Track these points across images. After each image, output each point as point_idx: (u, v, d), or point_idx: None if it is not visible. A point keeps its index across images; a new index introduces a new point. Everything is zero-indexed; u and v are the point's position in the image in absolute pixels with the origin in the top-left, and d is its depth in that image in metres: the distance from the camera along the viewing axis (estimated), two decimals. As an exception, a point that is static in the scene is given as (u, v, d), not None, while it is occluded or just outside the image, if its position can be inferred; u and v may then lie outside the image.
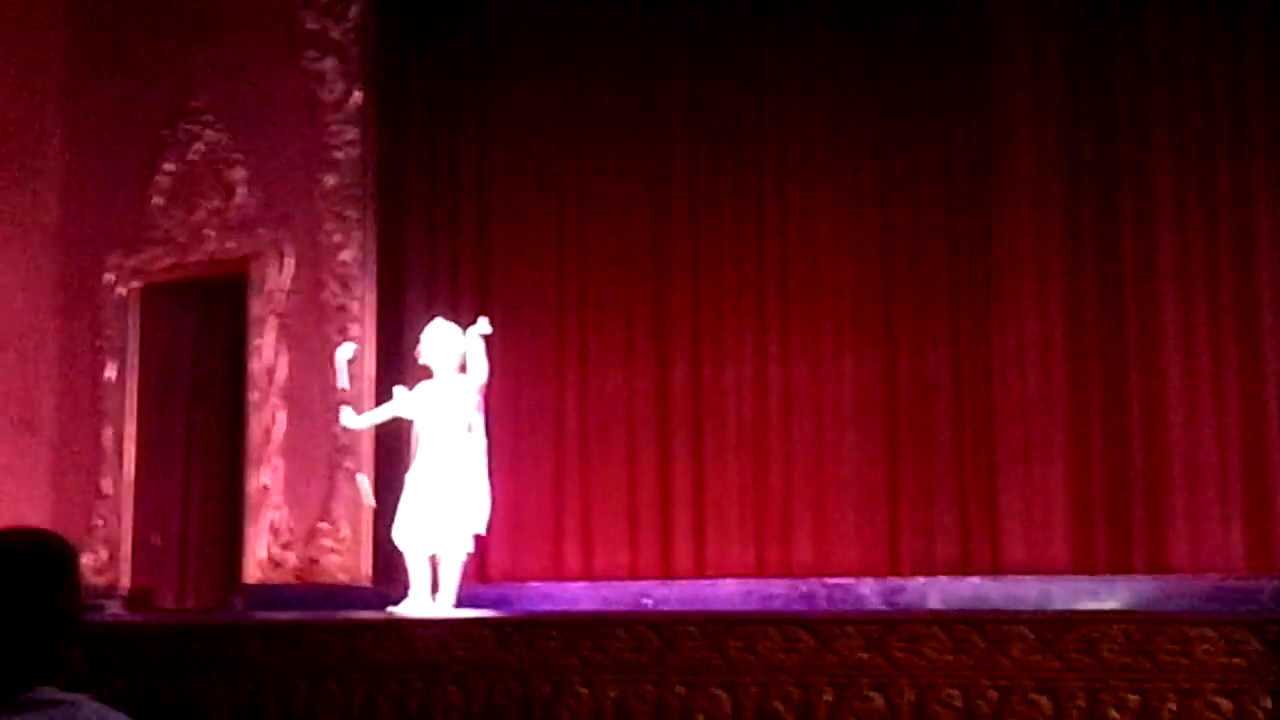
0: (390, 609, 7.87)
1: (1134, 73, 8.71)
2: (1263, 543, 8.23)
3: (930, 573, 8.72)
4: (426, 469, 8.21)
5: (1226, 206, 8.48)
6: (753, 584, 8.94)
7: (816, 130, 9.45)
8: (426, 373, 8.48)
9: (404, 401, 8.39)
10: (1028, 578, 8.40)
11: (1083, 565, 8.56)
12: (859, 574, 8.81)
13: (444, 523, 8.12)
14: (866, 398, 9.18)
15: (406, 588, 8.17)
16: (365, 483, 9.13)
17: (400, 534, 8.26)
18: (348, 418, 8.72)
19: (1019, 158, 8.94)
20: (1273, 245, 8.36)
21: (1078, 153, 8.82)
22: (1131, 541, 8.51)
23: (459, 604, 8.03)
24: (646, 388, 9.63)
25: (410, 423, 8.59)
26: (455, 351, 8.31)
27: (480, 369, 8.26)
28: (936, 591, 8.43)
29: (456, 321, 8.55)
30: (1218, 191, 8.50)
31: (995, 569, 8.70)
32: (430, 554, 8.19)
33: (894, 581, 8.66)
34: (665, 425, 9.57)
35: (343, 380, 8.80)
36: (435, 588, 8.13)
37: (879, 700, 5.80)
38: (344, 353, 8.92)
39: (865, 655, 5.85)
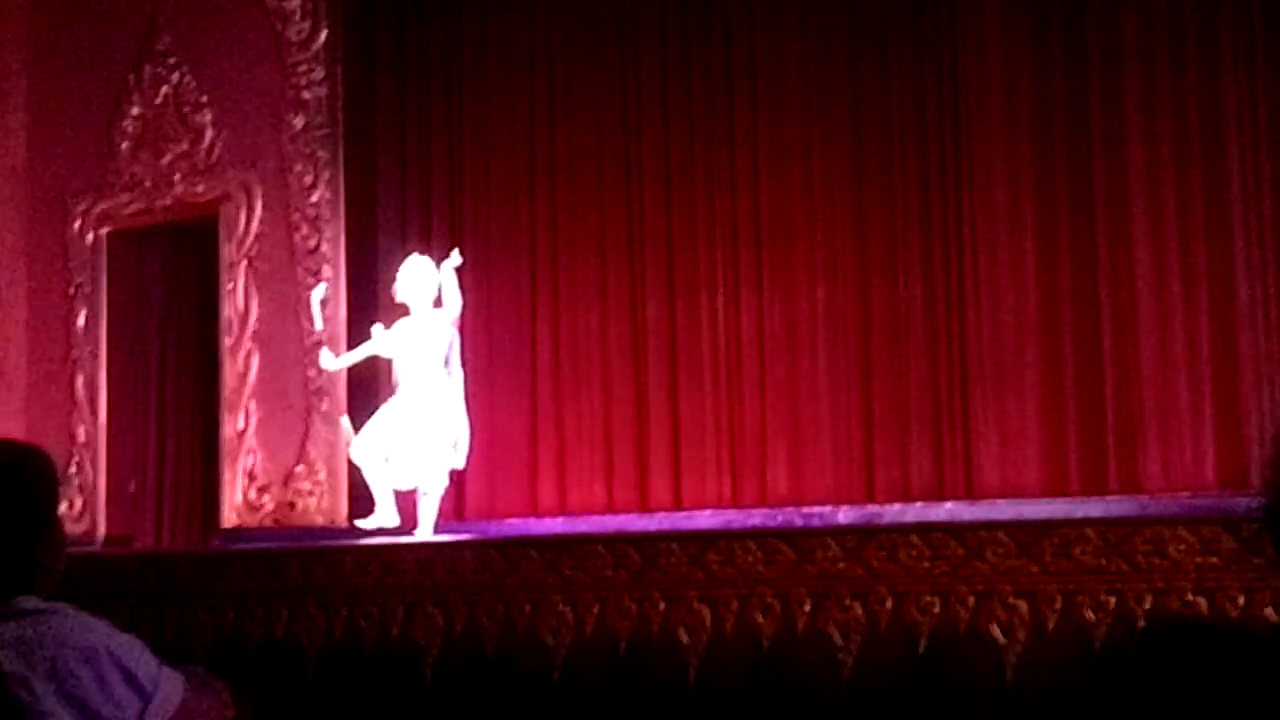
0: (357, 522, 8.00)
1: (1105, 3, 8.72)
2: (1235, 461, 8.28)
3: (906, 500, 8.78)
4: (406, 404, 8.27)
5: (1197, 131, 8.49)
6: (730, 515, 8.98)
7: (787, 64, 9.43)
8: (401, 311, 8.52)
9: (382, 340, 8.45)
10: (1002, 502, 8.44)
11: (1056, 488, 8.61)
12: (835, 503, 8.86)
13: (423, 456, 8.18)
14: (840, 328, 9.21)
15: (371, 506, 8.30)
16: (347, 423, 9.15)
17: (359, 450, 8.36)
18: (326, 359, 8.82)
19: (990, 87, 8.94)
20: (1242, 168, 8.38)
21: (1049, 79, 8.83)
22: (1105, 463, 8.56)
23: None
24: (620, 322, 9.64)
25: (385, 362, 8.64)
26: (431, 286, 8.37)
27: (454, 302, 8.32)
28: (912, 518, 8.47)
29: (430, 258, 8.58)
30: (1188, 116, 8.52)
31: (970, 494, 8.75)
32: (409, 487, 8.27)
33: (870, 509, 8.71)
34: (639, 359, 9.58)
35: (318, 322, 8.89)
36: (414, 523, 8.21)
37: (858, 609, 5.85)
38: (317, 294, 9.00)
39: (844, 565, 5.90)
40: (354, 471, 9.31)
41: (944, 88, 9.05)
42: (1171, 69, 8.55)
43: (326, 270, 10.00)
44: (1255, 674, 1.93)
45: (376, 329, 8.55)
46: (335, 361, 8.92)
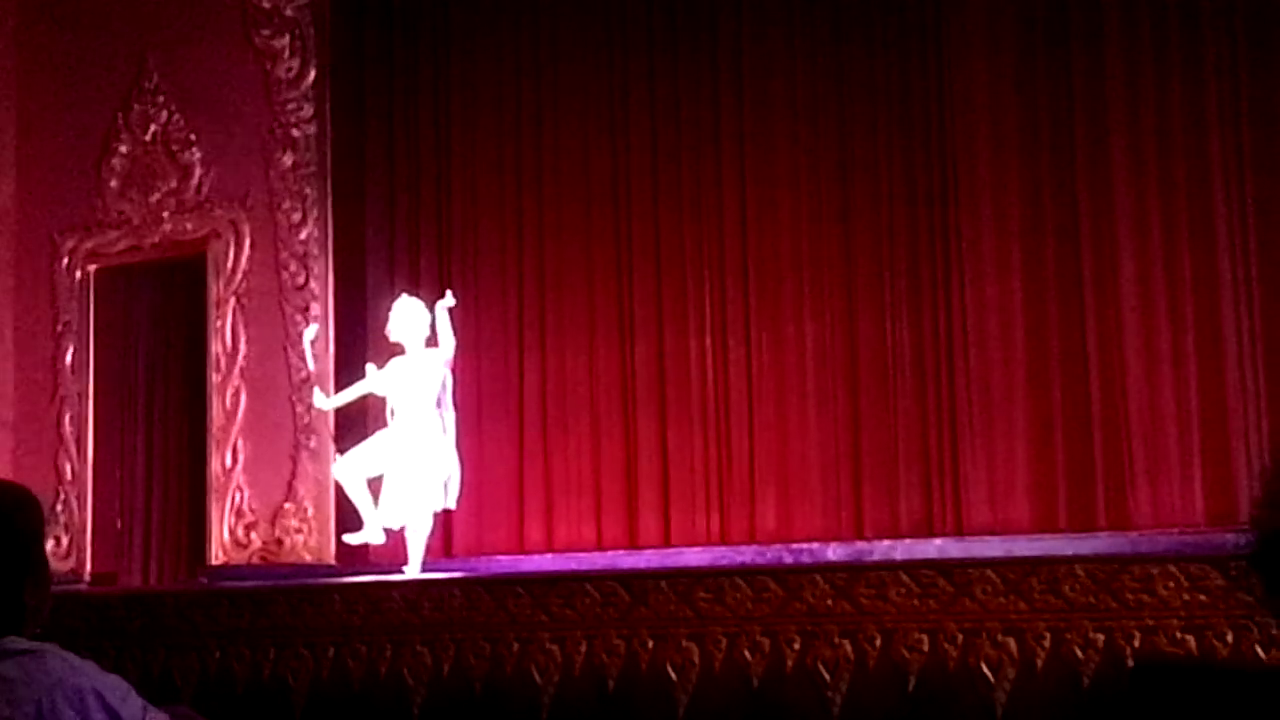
0: (345, 538, 8.03)
1: (1089, 35, 8.77)
2: (1223, 498, 8.29)
3: (895, 537, 8.77)
4: (397, 441, 8.29)
5: (1183, 165, 8.54)
6: (719, 552, 8.96)
7: (775, 103, 9.47)
8: (392, 349, 8.55)
9: (376, 378, 8.49)
10: (991, 539, 8.44)
11: (1045, 525, 8.62)
12: (824, 540, 8.85)
13: (413, 494, 8.20)
14: (828, 365, 9.22)
15: (368, 556, 8.31)
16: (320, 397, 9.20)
17: (342, 469, 8.42)
18: (319, 399, 8.88)
19: (977, 126, 8.99)
20: (1229, 210, 8.43)
21: (1035, 120, 8.88)
22: (1093, 501, 8.57)
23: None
24: (609, 360, 9.64)
25: (374, 400, 8.68)
26: (423, 326, 8.43)
27: (448, 342, 8.35)
28: (901, 555, 8.46)
29: (418, 297, 8.62)
30: (1173, 156, 8.57)
31: (959, 531, 8.75)
32: (399, 525, 8.28)
33: (859, 546, 8.70)
34: (628, 397, 9.59)
35: (309, 362, 8.99)
36: (403, 560, 8.22)
37: (847, 647, 5.84)
38: (309, 334, 9.12)
39: (832, 602, 5.89)
40: (342, 509, 9.31)
41: (931, 127, 9.09)
42: (1157, 104, 8.60)
43: (315, 308, 10.01)
44: (1243, 714, 1.93)
45: (370, 369, 8.57)
46: (329, 401, 8.97)
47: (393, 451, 8.28)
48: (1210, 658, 5.29)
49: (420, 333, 8.43)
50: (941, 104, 9.05)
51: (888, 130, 9.20)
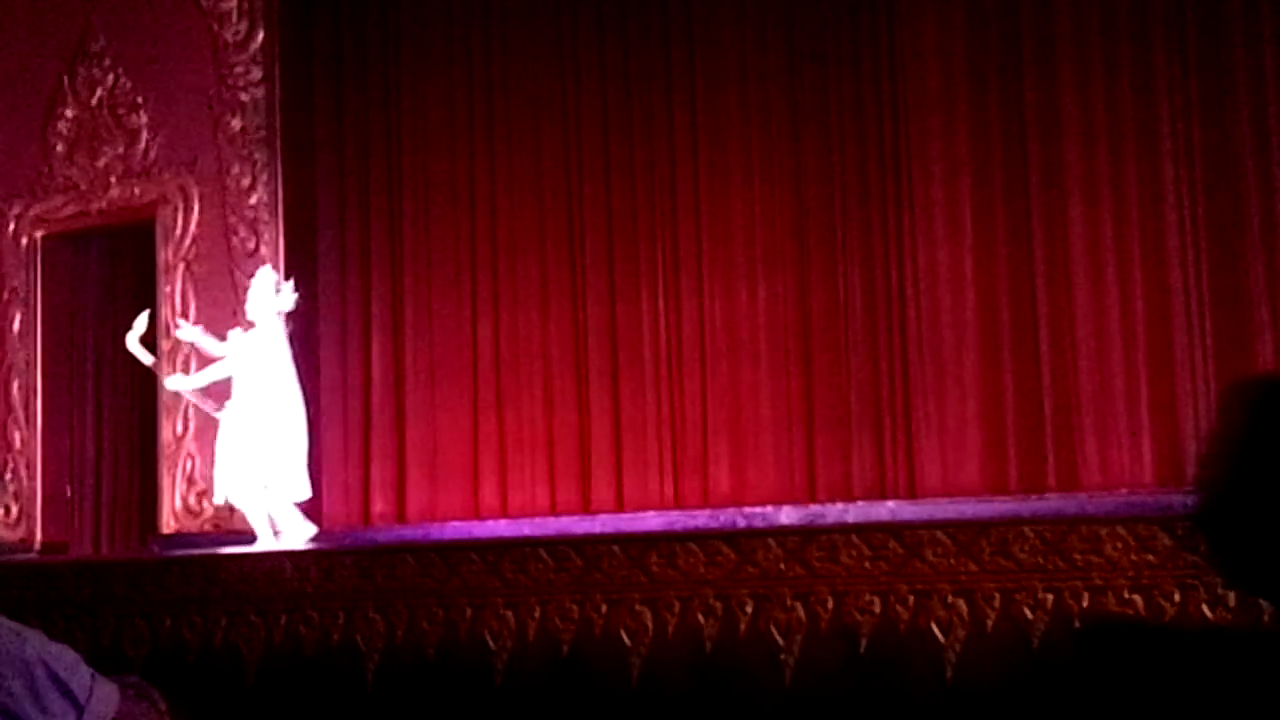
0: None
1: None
2: (1171, 458, 8.36)
3: (847, 499, 8.82)
4: (244, 417, 8.31)
5: (1132, 128, 8.57)
6: (672, 516, 8.99)
7: (726, 65, 9.45)
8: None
9: (230, 358, 8.50)
10: (943, 500, 8.49)
11: (996, 486, 8.67)
12: (777, 503, 8.89)
13: (270, 464, 8.19)
14: (780, 327, 9.23)
15: (320, 523, 8.31)
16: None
17: (235, 492, 8.36)
18: (173, 379, 8.82)
19: (928, 85, 8.99)
20: (1176, 174, 8.46)
21: (985, 78, 8.89)
22: (1044, 462, 8.63)
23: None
24: (561, 324, 9.63)
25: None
26: (269, 297, 8.47)
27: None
28: (854, 518, 8.51)
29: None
30: (1123, 113, 8.60)
31: (911, 493, 8.80)
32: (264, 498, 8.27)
33: (812, 509, 8.74)
34: (580, 361, 9.58)
35: (146, 359, 8.88)
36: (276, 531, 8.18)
37: (799, 609, 5.87)
38: (136, 331, 8.91)
39: (785, 566, 5.92)
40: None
41: (882, 89, 9.09)
42: (1105, 67, 8.62)
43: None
44: (1189, 673, 1.94)
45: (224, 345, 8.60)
46: (185, 381, 8.95)
47: (241, 428, 8.28)
48: (1157, 617, 5.35)
49: (270, 304, 8.47)
50: (893, 65, 9.05)
51: (839, 92, 9.20)
